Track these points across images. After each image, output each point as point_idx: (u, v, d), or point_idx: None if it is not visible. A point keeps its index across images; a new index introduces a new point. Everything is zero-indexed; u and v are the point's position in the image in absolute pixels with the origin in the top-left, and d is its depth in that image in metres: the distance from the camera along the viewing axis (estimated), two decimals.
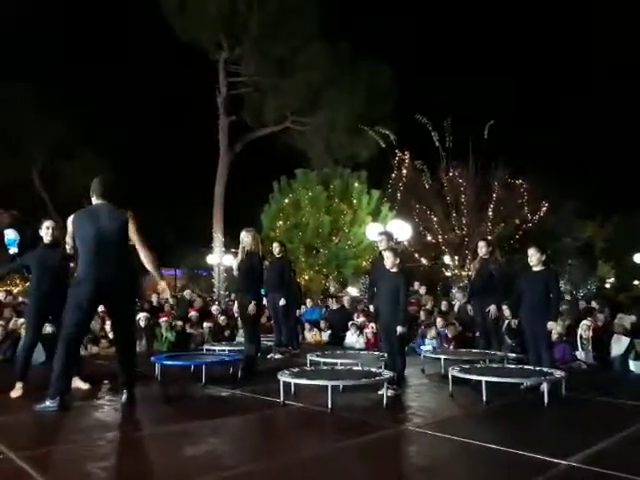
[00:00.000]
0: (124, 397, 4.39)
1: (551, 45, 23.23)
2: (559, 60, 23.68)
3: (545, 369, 4.91)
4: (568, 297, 12.96)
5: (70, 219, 4.40)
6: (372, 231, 12.16)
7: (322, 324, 10.05)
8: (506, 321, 7.25)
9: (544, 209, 18.29)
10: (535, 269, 5.38)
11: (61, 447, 3.41)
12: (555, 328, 5.50)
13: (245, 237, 6.33)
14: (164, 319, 9.08)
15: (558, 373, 4.72)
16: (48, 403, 4.15)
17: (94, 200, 4.45)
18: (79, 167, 22.09)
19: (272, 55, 20.15)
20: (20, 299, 10.36)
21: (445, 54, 23.13)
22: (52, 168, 22.77)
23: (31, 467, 2.90)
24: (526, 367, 5.17)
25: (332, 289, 14.46)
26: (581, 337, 7.04)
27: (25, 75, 20.33)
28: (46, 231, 5.14)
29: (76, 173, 22.33)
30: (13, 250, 5.23)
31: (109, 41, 22.93)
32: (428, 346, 8.01)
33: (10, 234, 5.33)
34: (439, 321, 8.60)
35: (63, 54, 23.33)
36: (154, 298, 11.44)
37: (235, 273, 6.68)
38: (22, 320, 7.97)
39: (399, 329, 5.02)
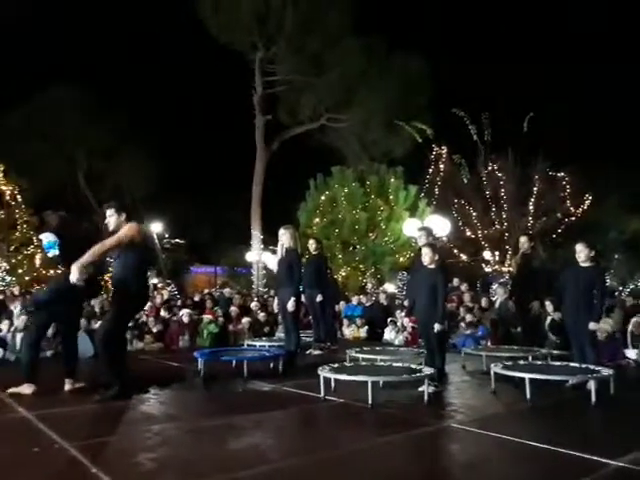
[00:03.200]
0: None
1: (594, 33, 22.43)
2: (597, 49, 22.85)
3: (592, 367, 4.77)
4: (616, 293, 12.51)
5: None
6: (409, 227, 12.07)
7: (358, 321, 10.06)
8: (549, 317, 7.09)
9: (588, 202, 17.71)
10: (582, 265, 5.23)
11: (111, 438, 3.54)
12: (600, 327, 5.31)
13: (283, 234, 6.42)
14: (207, 316, 9.28)
15: (606, 371, 4.58)
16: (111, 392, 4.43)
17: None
18: (121, 168, 22.82)
19: (306, 52, 20.21)
20: None
21: (483, 45, 22.62)
22: (96, 169, 23.54)
23: (84, 456, 3.03)
24: (571, 364, 5.03)
25: (369, 286, 14.41)
26: (631, 334, 6.80)
27: (69, 78, 21.09)
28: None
29: (118, 174, 23.10)
30: (53, 253, 5.40)
31: (148, 44, 23.49)
32: (469, 343, 7.89)
33: (49, 237, 5.53)
34: (477, 317, 8.47)
35: (104, 58, 24.05)
36: (196, 295, 11.74)
37: (275, 270, 6.78)
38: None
39: (436, 326, 4.98)
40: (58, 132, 21.67)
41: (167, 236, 25.40)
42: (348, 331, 10.04)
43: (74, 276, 4.32)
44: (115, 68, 23.75)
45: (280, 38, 20.37)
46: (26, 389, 4.77)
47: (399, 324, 9.26)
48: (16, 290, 11.27)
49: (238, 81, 21.29)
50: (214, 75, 22.31)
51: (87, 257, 4.43)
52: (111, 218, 4.80)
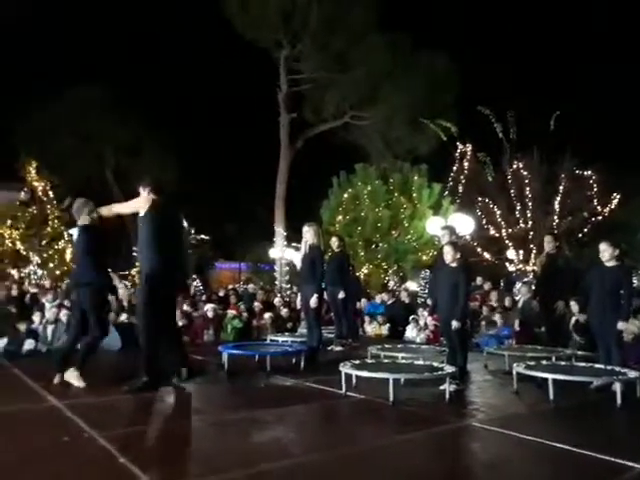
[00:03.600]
0: None
1: (620, 32, 21.93)
2: (625, 47, 22.30)
3: (617, 368, 4.71)
4: None
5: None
6: (433, 225, 12.02)
7: (379, 318, 10.07)
8: (574, 317, 6.99)
9: (615, 201, 17.33)
10: (607, 264, 5.16)
11: (138, 428, 3.66)
12: (627, 328, 5.24)
13: (307, 231, 6.48)
14: (231, 311, 9.42)
15: (632, 373, 4.51)
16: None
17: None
18: (147, 164, 23.20)
19: (331, 49, 20.24)
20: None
21: (509, 43, 22.31)
22: (123, 166, 23.99)
23: (112, 446, 3.12)
24: (596, 366, 4.97)
25: (391, 283, 14.40)
26: None
27: (96, 77, 21.54)
28: None
29: (144, 170, 23.48)
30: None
31: (174, 42, 23.83)
32: (492, 341, 7.85)
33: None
34: (500, 317, 8.41)
35: (131, 56, 24.48)
36: (221, 290, 11.92)
37: (298, 266, 6.85)
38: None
39: (454, 324, 4.98)
40: (87, 130, 22.17)
41: (192, 232, 25.75)
42: (370, 328, 10.07)
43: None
44: (142, 66, 24.23)
45: (305, 35, 20.45)
46: (76, 381, 4.77)
47: (421, 322, 9.24)
48: (47, 283, 11.62)
49: (263, 79, 21.46)
50: (240, 73, 22.54)
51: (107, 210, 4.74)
52: (142, 196, 4.82)
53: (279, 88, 21.65)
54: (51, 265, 16.72)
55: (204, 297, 11.34)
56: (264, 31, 20.29)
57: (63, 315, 7.59)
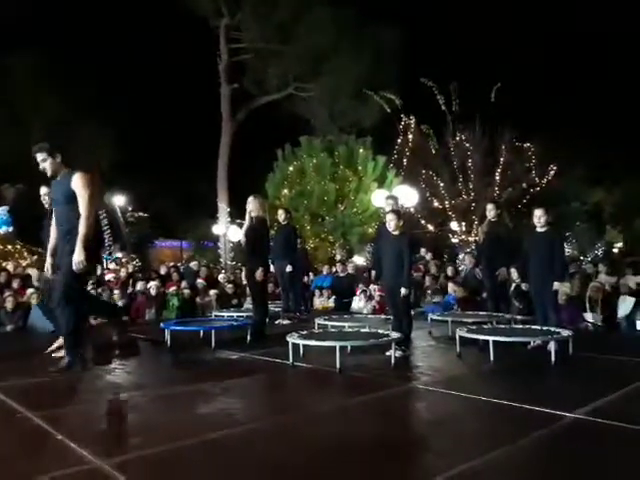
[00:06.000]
0: None
1: (560, 5, 22.55)
2: (568, 20, 22.98)
3: (552, 328, 4.93)
4: (577, 261, 12.91)
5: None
6: (378, 197, 12.09)
7: (324, 291, 10.10)
8: (513, 284, 7.26)
9: (552, 173, 18.08)
10: (540, 230, 5.36)
11: (76, 407, 3.49)
12: (560, 288, 5.48)
13: (251, 202, 6.31)
14: (172, 288, 9.17)
15: (565, 332, 4.74)
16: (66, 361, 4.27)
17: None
18: (81, 138, 21.97)
19: (273, 20, 19.70)
20: (29, 271, 10.45)
21: (450, 15, 22.46)
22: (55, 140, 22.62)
23: (49, 425, 2.97)
24: (533, 327, 5.20)
25: (338, 257, 14.46)
26: (590, 299, 7.04)
27: (25, 44, 20.02)
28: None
29: (78, 144, 22.26)
30: (5, 230, 5.09)
31: (108, 9, 22.44)
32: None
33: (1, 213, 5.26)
34: (450, 286, 8.62)
35: (64, 24, 22.89)
36: (162, 268, 11.56)
37: (242, 240, 6.68)
38: (31, 290, 8.08)
39: (403, 291, 5.03)
40: (13, 99, 20.65)
41: (130, 209, 24.80)
42: (318, 301, 10.10)
43: (79, 264, 3.99)
44: (75, 35, 22.67)
45: (246, 3, 19.78)
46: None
47: (368, 293, 9.36)
48: None
49: (203, 48, 20.65)
50: (178, 42, 21.51)
51: (84, 233, 4.03)
52: (45, 163, 4.29)
53: (219, 58, 20.94)
54: None
55: (144, 275, 10.94)
56: None
57: None
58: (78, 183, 4.15)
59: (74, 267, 4.03)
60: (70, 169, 4.31)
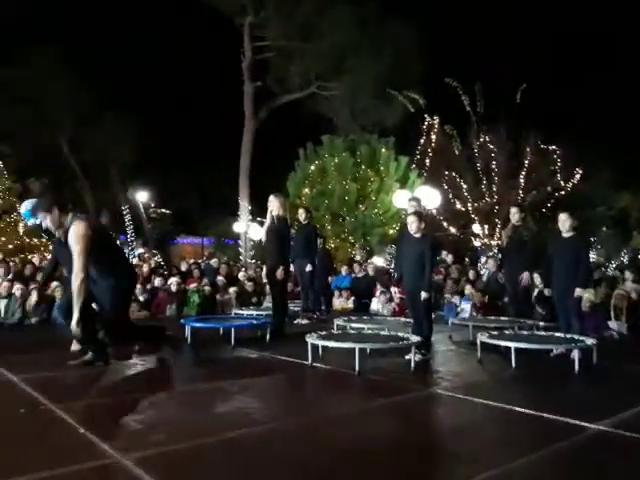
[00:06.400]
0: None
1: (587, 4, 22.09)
2: (597, 21, 22.52)
3: (576, 336, 4.83)
4: (602, 268, 12.66)
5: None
6: (400, 198, 12.02)
7: (343, 292, 10.07)
8: (536, 289, 7.15)
9: (578, 176, 17.73)
10: (565, 235, 5.26)
11: (99, 400, 3.55)
12: (584, 295, 5.37)
13: (272, 201, 6.33)
14: (193, 285, 9.25)
15: (589, 340, 4.64)
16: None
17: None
18: (106, 135, 22.31)
19: (297, 18, 19.69)
20: None
21: (476, 15, 22.21)
22: (80, 136, 23.02)
23: (71, 418, 3.02)
24: (556, 334, 5.10)
25: (358, 257, 14.41)
26: (615, 307, 6.89)
27: (51, 42, 20.36)
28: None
29: (103, 141, 22.61)
30: (32, 222, 5.09)
31: (134, 7, 22.73)
32: (468, 308, 7.96)
33: (27, 206, 5.29)
34: (467, 288, 8.53)
35: (90, 22, 23.27)
36: (183, 265, 11.68)
37: (263, 239, 6.70)
38: (56, 283, 8.24)
39: (423, 294, 4.98)
40: (41, 97, 21.03)
41: (153, 205, 25.12)
42: (338, 302, 10.08)
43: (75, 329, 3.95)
44: (100, 33, 23.04)
45: (270, 2, 19.83)
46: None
47: (387, 295, 9.31)
48: None
49: (226, 47, 20.76)
50: (202, 39, 21.72)
51: (77, 302, 3.92)
52: (46, 222, 4.19)
53: (243, 55, 21.02)
54: (3, 239, 15.97)
55: (165, 272, 11.07)
56: None
57: (16, 290, 7.29)
58: (72, 235, 4.01)
59: (74, 331, 4.01)
60: (71, 214, 4.19)
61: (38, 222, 4.54)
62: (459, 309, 8.26)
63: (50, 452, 2.56)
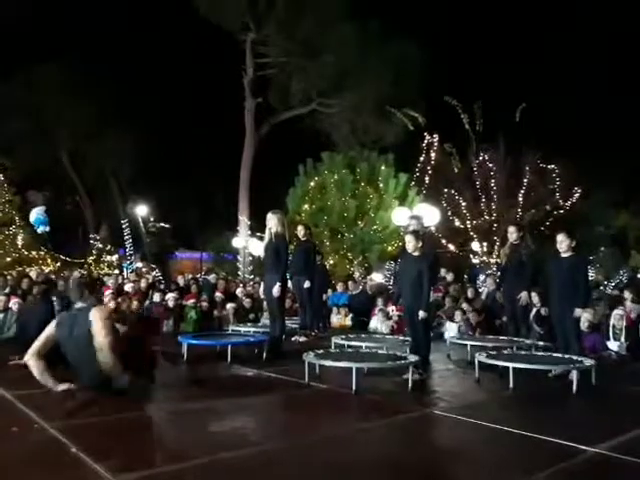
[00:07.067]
0: None
1: (584, 27, 22.38)
2: (590, 43, 22.82)
3: (574, 357, 4.81)
4: (601, 287, 12.62)
5: None
6: (399, 215, 12.02)
7: (341, 310, 10.02)
8: (534, 309, 7.12)
9: (576, 195, 17.81)
10: (563, 255, 5.26)
11: (92, 420, 3.50)
12: (583, 315, 5.35)
13: (271, 219, 6.33)
14: (191, 300, 9.21)
15: (588, 361, 4.61)
16: None
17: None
18: (106, 149, 22.44)
19: (298, 36, 19.93)
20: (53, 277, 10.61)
21: (476, 34, 22.48)
22: (80, 150, 23.14)
23: (64, 436, 2.99)
24: (555, 355, 5.07)
25: (357, 274, 14.38)
26: (613, 327, 6.86)
27: (52, 57, 20.57)
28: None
29: (103, 155, 22.74)
30: (43, 229, 5.11)
31: (135, 22, 22.98)
32: (454, 328, 7.94)
33: (40, 213, 5.28)
34: (465, 306, 8.50)
35: (89, 37, 23.49)
36: (180, 280, 11.64)
37: (262, 255, 6.69)
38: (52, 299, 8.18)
39: (421, 314, 4.96)
40: (42, 111, 21.19)
41: (152, 220, 25.12)
42: (335, 319, 10.03)
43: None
44: (100, 48, 23.24)
45: (271, 19, 20.08)
46: None
47: (385, 313, 9.26)
48: None
49: (228, 63, 20.97)
50: (203, 56, 21.93)
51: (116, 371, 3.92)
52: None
53: (244, 72, 21.23)
54: (1, 252, 15.93)
55: (163, 287, 11.02)
56: (228, 13, 19.77)
57: (13, 304, 7.25)
58: (96, 319, 3.93)
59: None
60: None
61: (48, 229, 4.49)
62: (443, 328, 8.24)
63: (42, 472, 2.53)
